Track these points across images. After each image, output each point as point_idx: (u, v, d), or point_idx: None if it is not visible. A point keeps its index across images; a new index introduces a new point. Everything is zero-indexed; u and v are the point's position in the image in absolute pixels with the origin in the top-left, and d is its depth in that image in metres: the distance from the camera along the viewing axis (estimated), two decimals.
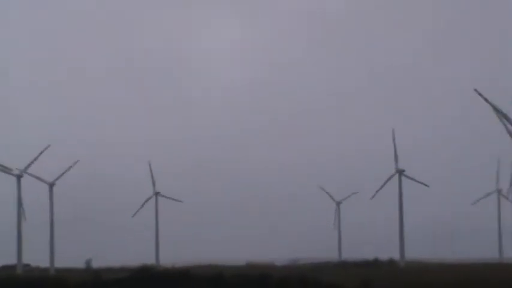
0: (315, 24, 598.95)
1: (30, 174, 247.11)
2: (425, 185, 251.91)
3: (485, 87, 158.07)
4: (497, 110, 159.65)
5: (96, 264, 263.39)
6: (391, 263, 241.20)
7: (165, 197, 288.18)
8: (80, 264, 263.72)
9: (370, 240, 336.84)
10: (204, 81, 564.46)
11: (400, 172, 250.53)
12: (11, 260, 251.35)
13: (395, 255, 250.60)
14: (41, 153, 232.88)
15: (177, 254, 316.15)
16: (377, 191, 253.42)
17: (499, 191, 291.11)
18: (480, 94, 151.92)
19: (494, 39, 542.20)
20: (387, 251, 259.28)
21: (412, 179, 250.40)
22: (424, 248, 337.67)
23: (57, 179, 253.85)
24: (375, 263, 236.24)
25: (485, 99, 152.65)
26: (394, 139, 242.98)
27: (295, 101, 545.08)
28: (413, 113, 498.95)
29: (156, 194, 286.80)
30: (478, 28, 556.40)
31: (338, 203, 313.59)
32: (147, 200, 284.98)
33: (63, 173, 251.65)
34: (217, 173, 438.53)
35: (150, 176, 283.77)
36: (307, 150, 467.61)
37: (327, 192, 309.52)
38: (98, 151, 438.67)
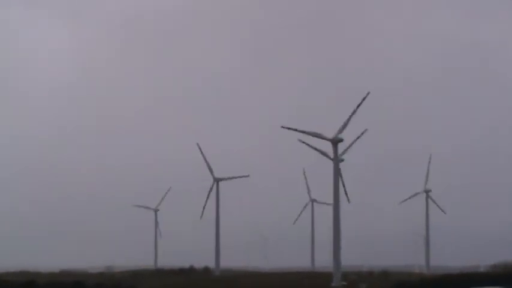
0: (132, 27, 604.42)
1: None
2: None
3: None
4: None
5: None
6: (206, 270, 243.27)
7: None
8: None
9: (186, 249, 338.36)
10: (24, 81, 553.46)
11: (217, 181, 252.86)
12: None
13: (211, 264, 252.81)
14: None
15: None
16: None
17: (312, 201, 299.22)
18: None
19: None
20: (203, 260, 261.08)
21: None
22: (239, 257, 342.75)
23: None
24: (191, 271, 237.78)
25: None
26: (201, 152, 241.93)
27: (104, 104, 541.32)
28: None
29: None
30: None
31: (156, 210, 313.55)
32: None
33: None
34: (31, 176, 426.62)
35: None
36: (135, 152, 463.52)
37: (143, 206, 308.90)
38: None
